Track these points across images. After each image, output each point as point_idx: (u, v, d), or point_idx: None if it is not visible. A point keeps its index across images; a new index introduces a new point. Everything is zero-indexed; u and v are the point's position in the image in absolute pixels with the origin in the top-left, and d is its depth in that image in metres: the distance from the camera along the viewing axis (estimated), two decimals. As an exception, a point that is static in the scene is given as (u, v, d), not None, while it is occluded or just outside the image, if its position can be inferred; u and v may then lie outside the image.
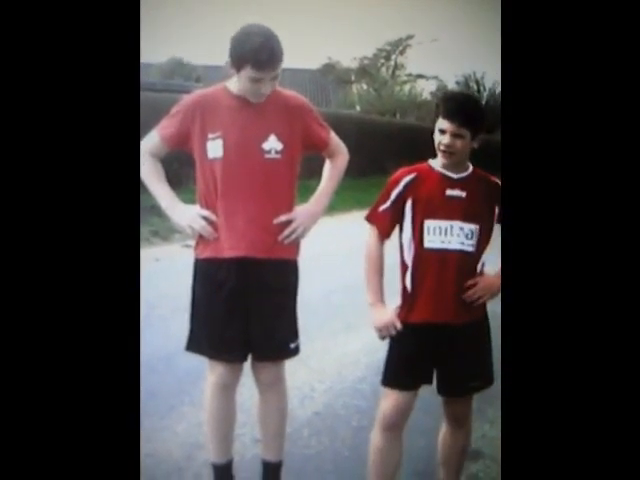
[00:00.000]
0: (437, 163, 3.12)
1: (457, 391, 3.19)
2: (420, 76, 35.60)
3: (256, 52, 3.01)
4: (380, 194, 3.17)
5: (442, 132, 3.03)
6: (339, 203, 11.26)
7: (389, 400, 3.14)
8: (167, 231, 10.88)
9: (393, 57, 35.63)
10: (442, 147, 3.03)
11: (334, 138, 3.44)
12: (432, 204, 3.06)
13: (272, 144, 3.18)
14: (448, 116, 3.01)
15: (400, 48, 35.11)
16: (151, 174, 3.30)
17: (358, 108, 33.36)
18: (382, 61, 35.59)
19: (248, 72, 3.05)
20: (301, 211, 3.32)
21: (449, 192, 3.07)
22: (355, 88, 36.14)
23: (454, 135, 3.00)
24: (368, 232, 3.19)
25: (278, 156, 3.19)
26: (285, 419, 3.50)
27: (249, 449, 3.94)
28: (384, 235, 3.16)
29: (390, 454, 3.20)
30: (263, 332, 3.26)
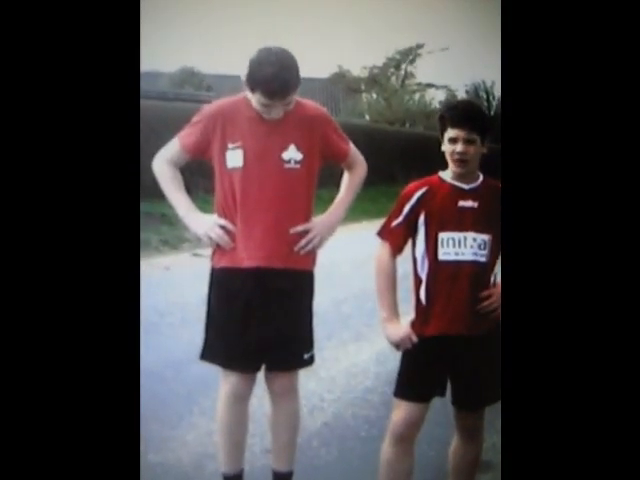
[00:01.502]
0: (447, 175, 3.13)
1: (472, 402, 3.16)
2: (430, 85, 35.62)
3: (267, 82, 3.03)
4: (392, 209, 3.17)
5: (453, 141, 3.03)
6: (356, 214, 11.33)
7: (400, 412, 3.13)
8: (177, 240, 10.91)
9: (403, 66, 35.64)
10: (456, 156, 3.03)
11: (353, 149, 3.45)
12: (445, 216, 3.06)
13: (292, 154, 3.19)
14: (457, 124, 3.02)
15: (410, 57, 35.12)
16: (170, 182, 3.33)
17: (367, 117, 33.41)
18: (392, 70, 35.60)
19: (259, 97, 3.08)
20: (318, 222, 3.33)
21: (461, 203, 3.08)
22: (365, 97, 36.18)
23: (466, 142, 3.01)
24: (380, 247, 3.17)
25: (297, 166, 3.20)
26: (297, 429, 3.50)
27: (259, 459, 3.93)
28: (397, 251, 3.15)
29: (401, 467, 3.19)
30: (278, 342, 3.25)
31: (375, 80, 34.63)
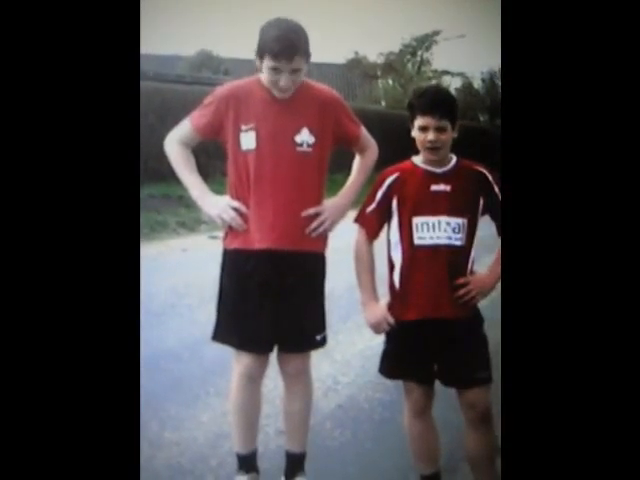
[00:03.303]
0: (420, 160, 3.16)
1: (462, 381, 3.14)
2: (446, 72, 35.43)
3: (272, 41, 3.06)
4: (366, 196, 3.23)
5: (424, 129, 3.05)
6: (363, 197, 11.38)
7: (406, 387, 3.24)
8: (194, 222, 10.95)
9: (419, 53, 35.42)
10: (428, 144, 3.06)
11: (364, 133, 3.46)
12: (418, 201, 3.10)
13: (304, 137, 3.20)
14: (427, 112, 3.03)
15: (426, 44, 34.91)
16: (182, 163, 3.34)
17: (383, 103, 33.27)
18: (408, 57, 35.40)
19: (267, 61, 3.10)
20: (329, 205, 3.34)
21: (434, 187, 3.10)
22: (381, 83, 36.03)
23: (437, 129, 3.04)
24: (357, 233, 3.24)
25: (310, 149, 3.22)
26: (310, 411, 3.52)
27: (273, 440, 3.97)
28: (372, 236, 3.22)
29: (426, 438, 3.30)
30: (290, 323, 3.28)
31: (391, 66, 34.46)
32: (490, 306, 3.27)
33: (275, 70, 3.10)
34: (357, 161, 3.51)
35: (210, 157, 8.08)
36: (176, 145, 3.34)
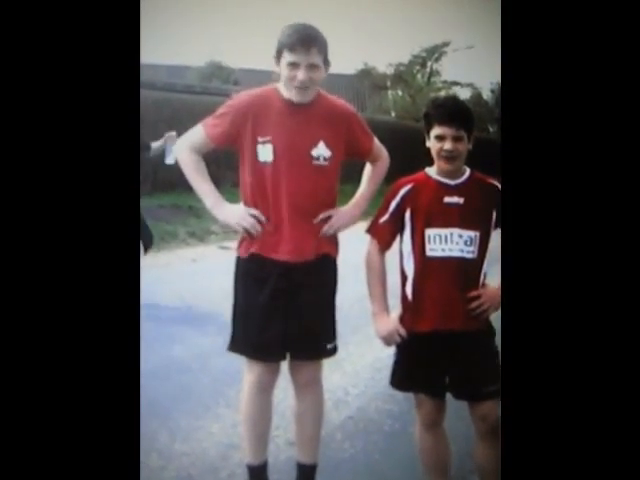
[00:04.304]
0: (433, 171, 3.16)
1: (473, 395, 3.13)
2: (455, 83, 35.41)
3: (290, 35, 3.10)
4: (379, 207, 3.22)
5: (440, 139, 3.06)
6: (373, 208, 11.36)
7: (418, 400, 3.22)
8: (204, 232, 10.96)
9: (429, 64, 35.45)
10: (444, 153, 3.06)
11: (376, 144, 3.46)
12: (431, 212, 3.09)
13: (321, 151, 3.20)
14: (445, 121, 3.04)
15: (436, 55, 34.94)
16: (196, 172, 3.32)
17: (393, 114, 33.28)
18: (417, 67, 35.43)
19: (285, 57, 3.11)
20: (341, 210, 3.35)
21: (447, 199, 3.10)
22: (390, 94, 36.05)
23: (455, 139, 3.05)
24: (369, 244, 3.24)
25: (326, 163, 3.22)
26: (321, 421, 3.51)
27: (283, 451, 3.96)
28: (384, 247, 3.22)
29: (436, 451, 3.28)
30: (302, 331, 3.27)
31: (401, 77, 34.48)
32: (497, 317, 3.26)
33: (292, 65, 3.10)
34: (368, 171, 3.51)
35: (220, 167, 8.11)
36: (188, 152, 3.31)
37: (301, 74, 3.11)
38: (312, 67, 3.12)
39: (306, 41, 3.09)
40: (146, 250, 7.07)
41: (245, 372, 3.39)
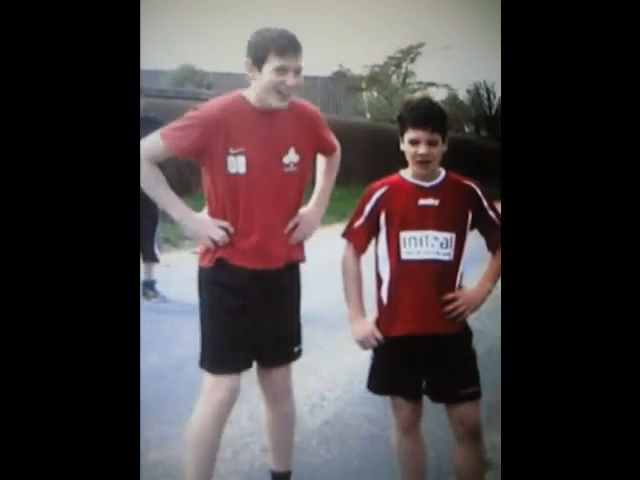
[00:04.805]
0: (408, 173, 3.13)
1: (451, 397, 3.10)
2: (431, 84, 35.68)
3: (278, 38, 3.02)
4: (354, 210, 3.19)
5: (415, 142, 3.02)
6: (349, 210, 11.36)
7: (395, 403, 3.19)
8: (178, 238, 10.87)
9: (404, 65, 35.67)
10: (419, 158, 3.02)
11: (334, 137, 3.44)
12: (406, 215, 3.06)
13: (291, 157, 3.16)
14: (419, 125, 3.00)
15: (411, 56, 35.16)
16: (157, 183, 3.17)
17: (368, 116, 33.43)
18: (393, 69, 35.63)
19: (272, 62, 3.01)
20: (305, 213, 3.31)
21: (421, 202, 3.07)
22: (365, 96, 36.20)
23: (429, 143, 3.00)
24: (344, 248, 3.20)
25: (295, 169, 3.18)
26: (293, 428, 3.47)
27: (258, 458, 3.92)
28: (360, 251, 3.18)
29: (413, 454, 3.25)
30: (272, 334, 3.23)
31: (376, 79, 34.64)
32: (479, 318, 3.24)
33: (281, 70, 3.01)
34: (323, 164, 3.46)
35: (193, 172, 8.03)
36: (148, 165, 3.10)
37: (290, 79, 3.04)
38: (297, 72, 3.07)
39: (295, 45, 3.04)
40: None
41: (206, 393, 3.21)
